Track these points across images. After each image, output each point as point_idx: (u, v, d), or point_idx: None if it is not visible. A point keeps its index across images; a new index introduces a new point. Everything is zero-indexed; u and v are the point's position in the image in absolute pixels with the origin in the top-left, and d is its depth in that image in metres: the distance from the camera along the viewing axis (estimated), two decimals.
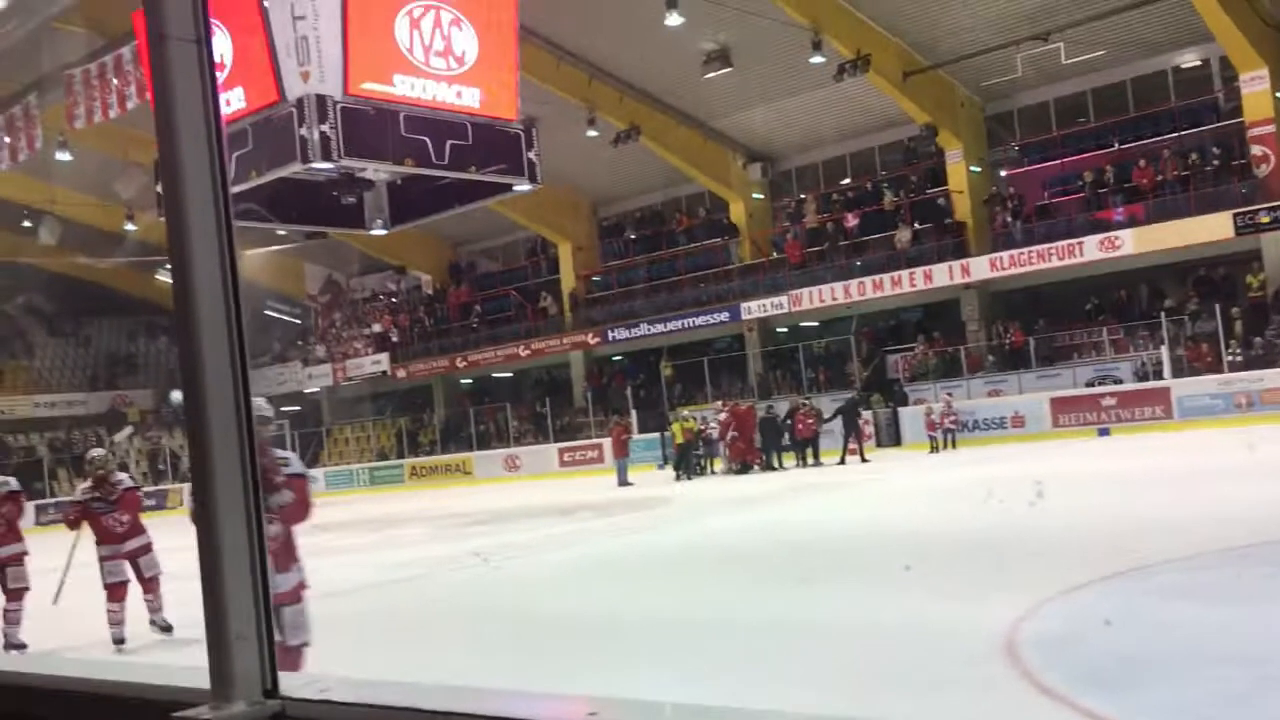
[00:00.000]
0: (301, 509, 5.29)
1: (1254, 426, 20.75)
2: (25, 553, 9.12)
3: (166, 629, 8.82)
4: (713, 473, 25.27)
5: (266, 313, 44.43)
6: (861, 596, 8.01)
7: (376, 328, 40.89)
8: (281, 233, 24.65)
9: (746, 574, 9.93)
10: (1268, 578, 7.18)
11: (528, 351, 35.82)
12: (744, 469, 24.37)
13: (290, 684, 1.17)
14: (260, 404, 5.25)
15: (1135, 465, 16.14)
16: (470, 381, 39.98)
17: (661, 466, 25.59)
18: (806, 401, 25.06)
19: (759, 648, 6.67)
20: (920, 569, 8.71)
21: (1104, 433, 23.61)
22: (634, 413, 29.80)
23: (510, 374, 38.82)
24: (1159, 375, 24.34)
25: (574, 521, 16.23)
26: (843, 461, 23.33)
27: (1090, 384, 25.47)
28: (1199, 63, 27.07)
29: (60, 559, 9.45)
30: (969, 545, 10.14)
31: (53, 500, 31.33)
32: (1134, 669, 5.30)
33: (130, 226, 32.58)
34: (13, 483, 9.56)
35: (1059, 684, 4.98)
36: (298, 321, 45.01)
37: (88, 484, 9.14)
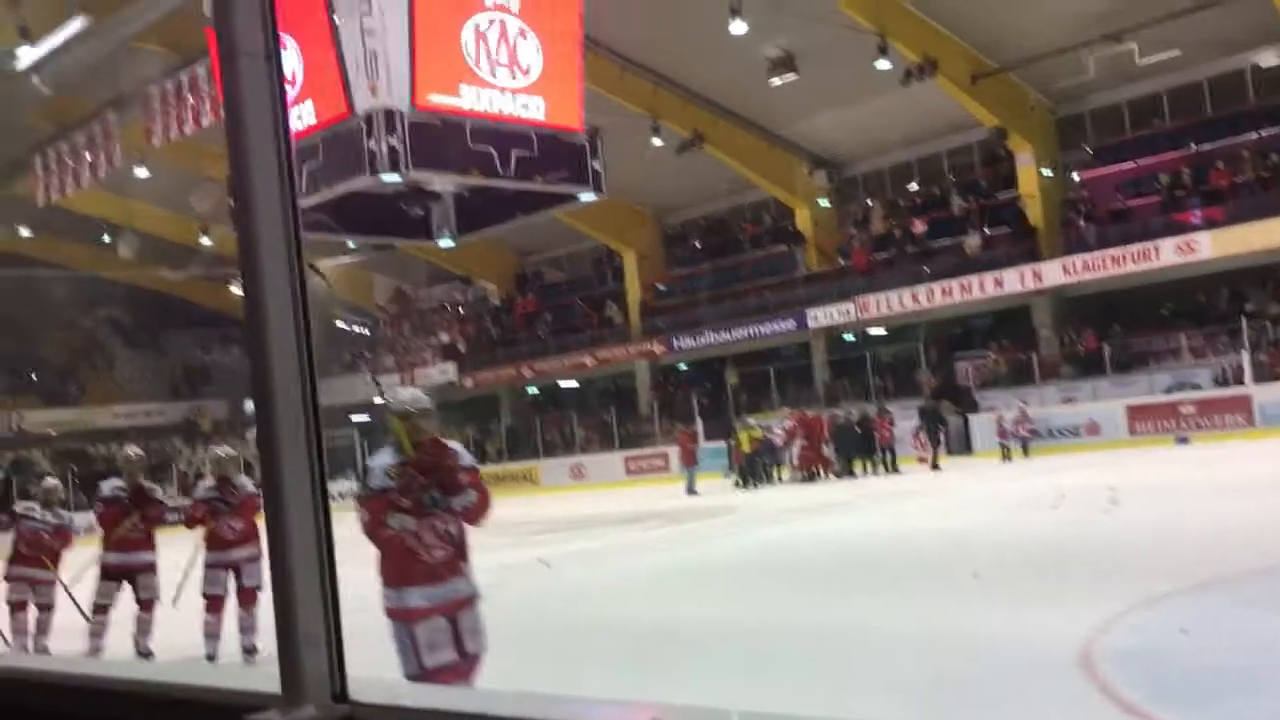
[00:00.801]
0: (484, 507, 4.82)
1: None
2: (155, 562, 8.82)
3: (250, 651, 8.24)
4: (779, 481, 25.14)
5: (336, 323, 45.11)
6: (930, 606, 7.90)
7: (444, 337, 41.31)
8: (351, 244, 25.07)
9: (812, 582, 9.86)
10: None
11: (593, 361, 35.94)
12: (811, 477, 24.25)
13: (360, 688, 1.18)
14: (417, 395, 4.93)
15: (1215, 474, 15.73)
16: (536, 391, 40.22)
17: (727, 475, 25.54)
18: (888, 409, 25.00)
19: (823, 656, 6.61)
20: (993, 579, 8.57)
21: (1183, 441, 23.04)
22: (699, 421, 29.74)
23: (576, 383, 38.97)
24: (1239, 381, 23.70)
25: (640, 530, 16.21)
26: (936, 466, 23.16)
27: (1168, 391, 24.89)
28: (1278, 61, 26.36)
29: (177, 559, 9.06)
30: (1043, 555, 9.96)
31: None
32: (1216, 682, 5.16)
33: (205, 240, 33.35)
34: (158, 490, 9.30)
35: (1138, 698, 4.86)
36: (367, 332, 45.64)
37: (210, 483, 8.86)
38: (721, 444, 27.69)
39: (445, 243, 11.88)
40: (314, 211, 9.88)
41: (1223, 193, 25.73)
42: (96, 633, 8.65)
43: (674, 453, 30.47)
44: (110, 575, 8.71)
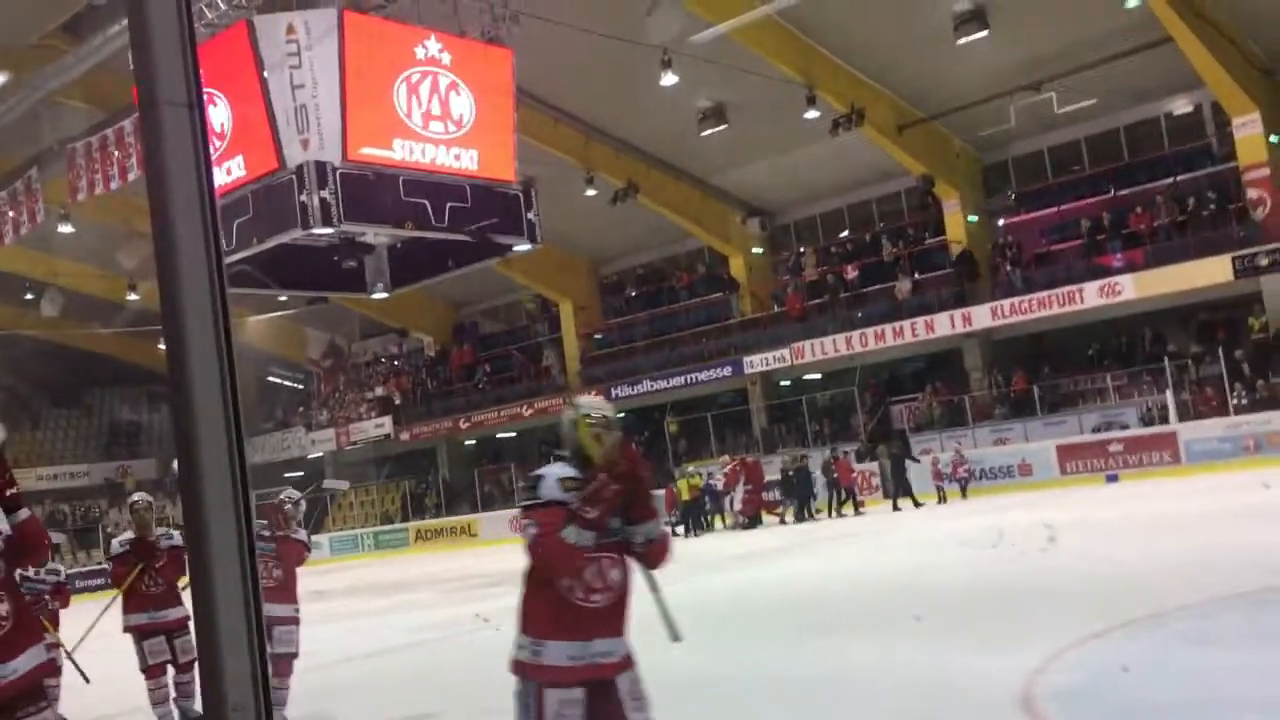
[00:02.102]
0: (668, 545, 4.02)
1: (1263, 469, 20.64)
2: (188, 616, 7.52)
3: (190, 717, 7.75)
4: (721, 527, 25.12)
5: (269, 378, 44.50)
6: (871, 649, 7.90)
7: (379, 391, 40.90)
8: (283, 298, 24.77)
9: (754, 628, 9.82)
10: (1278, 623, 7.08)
11: (531, 411, 35.77)
12: (753, 523, 24.28)
13: None
14: (602, 403, 4.19)
15: (1145, 510, 16.01)
16: (474, 442, 39.90)
17: (666, 523, 25.49)
18: (846, 451, 25.25)
19: (764, 702, 6.57)
20: (933, 620, 8.61)
21: (1112, 479, 23.47)
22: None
23: (514, 434, 38.74)
24: (1165, 420, 24.25)
25: None
26: (897, 507, 23.35)
27: (1096, 430, 25.38)
28: (1191, 108, 27.31)
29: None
30: (982, 595, 10.04)
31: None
32: (1151, 717, 5.21)
33: (132, 296, 32.77)
34: (175, 536, 8.10)
35: None
36: (300, 387, 45.05)
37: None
38: (662, 493, 27.62)
39: (379, 295, 11.80)
40: (244, 265, 9.77)
41: (1141, 236, 26.48)
42: (160, 699, 7.80)
43: None
44: (146, 635, 7.80)
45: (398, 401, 39.62)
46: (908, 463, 24.23)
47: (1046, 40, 24.82)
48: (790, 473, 24.56)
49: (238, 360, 1.25)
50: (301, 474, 39.71)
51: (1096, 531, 14.33)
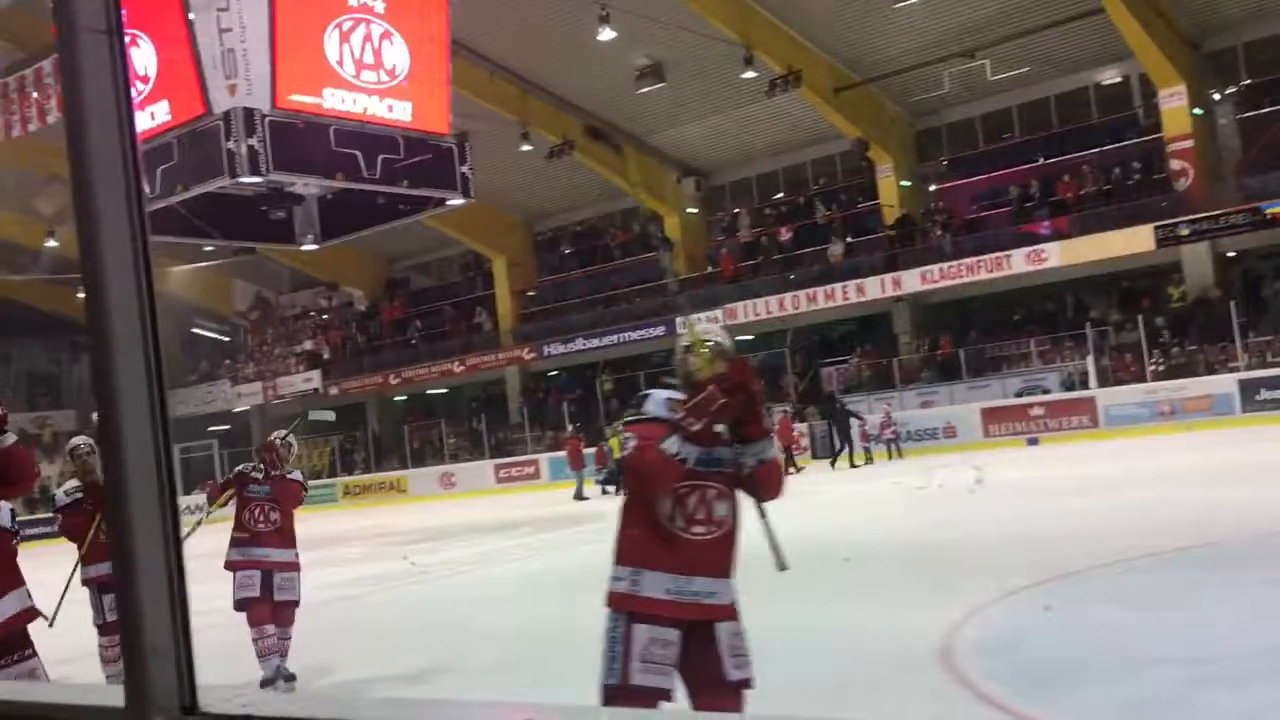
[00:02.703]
0: (780, 472, 3.71)
1: (1176, 434, 21.27)
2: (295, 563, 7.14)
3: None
4: None
5: (194, 330, 43.64)
6: (796, 606, 8.03)
7: (308, 345, 40.34)
8: (209, 248, 24.25)
9: None
10: (1192, 581, 7.33)
11: (463, 368, 35.57)
12: None
13: (210, 699, 1.12)
14: (718, 329, 3.89)
15: (1064, 473, 16.43)
16: (404, 398, 39.60)
17: (599, 481, 25.56)
18: (786, 411, 25.41)
19: None
20: (857, 577, 8.77)
21: (1033, 442, 24.02)
22: (569, 428, 29.72)
23: (445, 390, 38.52)
24: (1085, 385, 24.84)
25: (511, 537, 16.08)
26: (854, 465, 23.69)
27: (1019, 394, 25.92)
28: (1119, 79, 27.78)
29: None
30: (907, 553, 10.25)
31: None
32: (1070, 673, 5.37)
33: (51, 243, 31.84)
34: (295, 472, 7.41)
35: (996, 690, 5.03)
36: (226, 339, 44.26)
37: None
38: (593, 450, 27.66)
39: (309, 247, 11.59)
40: (169, 213, 9.53)
41: (1068, 205, 26.96)
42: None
43: (545, 460, 30.38)
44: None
45: (326, 356, 39.15)
46: (854, 421, 24.48)
47: (981, 7, 25.05)
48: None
49: (161, 311, 1.22)
50: (227, 427, 39.19)
51: (1017, 493, 14.68)
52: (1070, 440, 23.22)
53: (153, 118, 9.70)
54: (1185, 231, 24.59)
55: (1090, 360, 24.80)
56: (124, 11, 1.20)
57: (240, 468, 7.41)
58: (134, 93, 1.22)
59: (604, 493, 24.62)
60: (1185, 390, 22.97)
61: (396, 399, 39.54)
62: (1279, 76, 25.94)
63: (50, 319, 40.92)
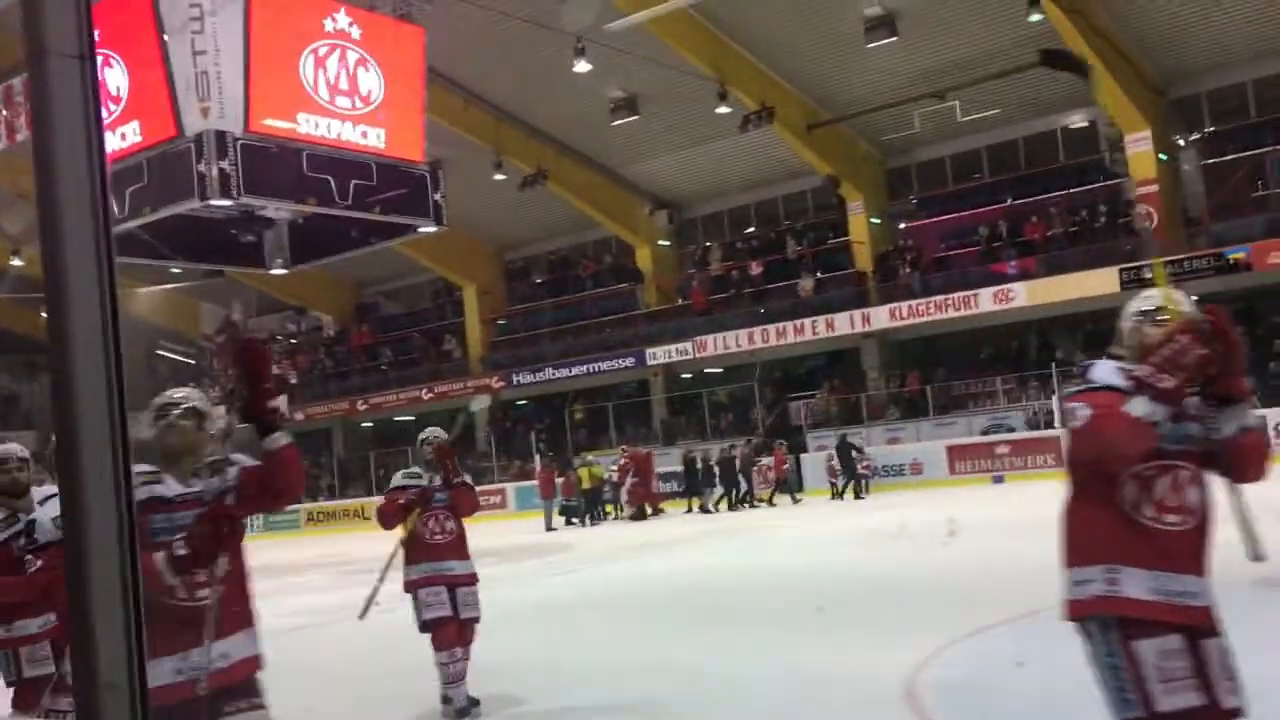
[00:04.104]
0: (1258, 450, 3.05)
1: None
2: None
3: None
4: (615, 518, 25.20)
5: (158, 352, 43.19)
6: (760, 642, 8.00)
7: (275, 369, 40.00)
8: (176, 270, 24.06)
9: (646, 620, 9.87)
10: None
11: (431, 395, 35.38)
12: (639, 515, 24.36)
13: None
14: None
15: (1029, 512, 16.46)
16: (371, 425, 39.32)
17: (560, 512, 25.47)
18: (782, 443, 25.72)
19: (653, 693, 6.60)
20: (822, 615, 8.75)
21: (999, 480, 24.15)
22: (537, 458, 29.62)
23: (413, 417, 38.26)
24: (1050, 425, 25.02)
25: (481, 566, 15.87)
26: (845, 496, 23.70)
27: (985, 432, 26.08)
28: (1086, 124, 28.20)
29: None
30: (875, 589, 10.24)
31: None
32: (1037, 713, 5.36)
33: (16, 261, 31.49)
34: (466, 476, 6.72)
35: None
36: (191, 362, 43.82)
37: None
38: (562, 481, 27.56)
39: (278, 271, 11.51)
40: (137, 234, 9.44)
41: (1035, 245, 27.28)
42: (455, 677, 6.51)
43: (512, 489, 30.23)
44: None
45: (294, 381, 38.83)
46: (854, 455, 24.47)
47: (952, 50, 25.39)
48: (716, 463, 24.64)
49: (126, 332, 1.20)
50: None
51: (985, 530, 14.73)
52: (1035, 479, 23.34)
53: (123, 138, 9.63)
54: (1149, 274, 24.90)
55: (1055, 400, 25.01)
56: (97, 32, 1.18)
57: (405, 479, 6.80)
58: (105, 113, 1.20)
59: (568, 523, 24.51)
60: None
61: (363, 425, 39.25)
62: (1241, 124, 26.44)
63: (12, 338, 40.42)
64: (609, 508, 25.51)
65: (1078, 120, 28.26)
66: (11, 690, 5.75)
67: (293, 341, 41.93)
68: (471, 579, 6.58)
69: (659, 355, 31.14)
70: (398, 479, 6.86)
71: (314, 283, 37.27)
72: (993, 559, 11.50)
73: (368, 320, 40.59)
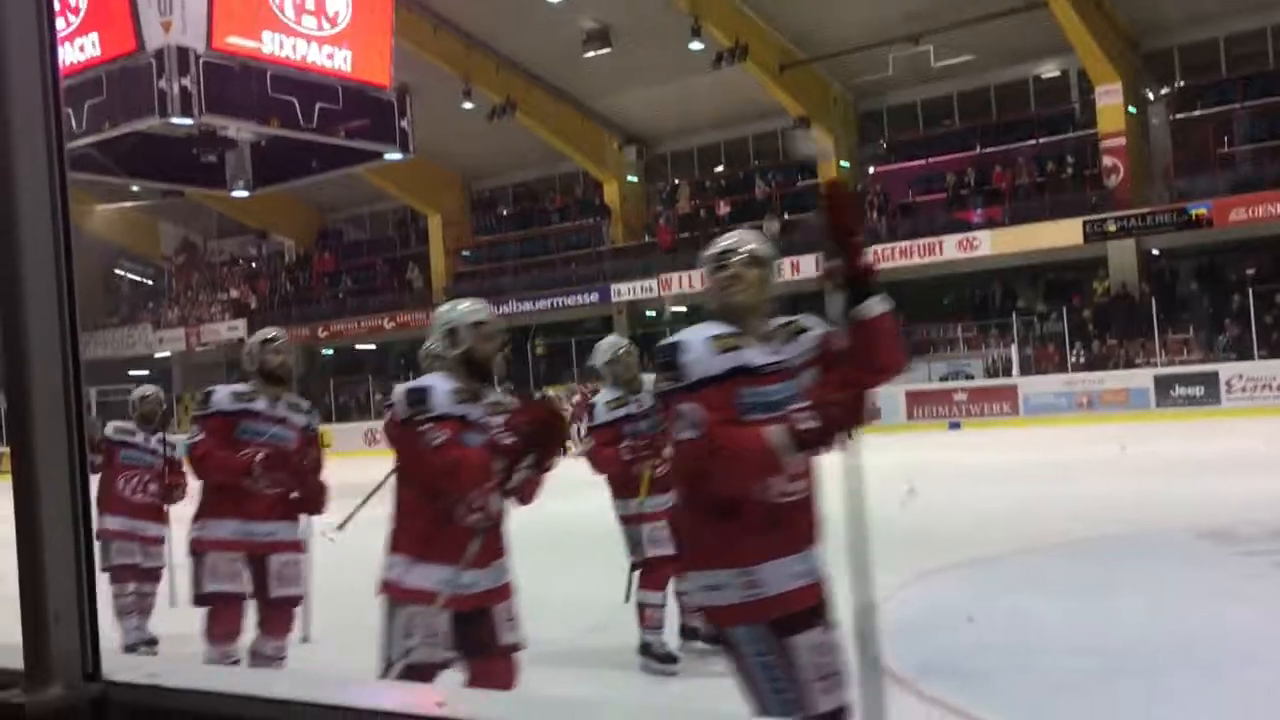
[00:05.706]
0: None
1: (1094, 425, 21.78)
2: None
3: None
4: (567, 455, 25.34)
5: (116, 271, 42.58)
6: None
7: (234, 293, 39.56)
8: (136, 189, 23.62)
9: (593, 558, 9.93)
10: (1106, 571, 7.51)
11: (393, 324, 35.16)
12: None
13: (114, 666, 1.08)
14: None
15: (983, 459, 16.75)
16: (331, 352, 39.07)
17: None
18: None
19: (601, 634, 6.67)
20: None
21: (955, 426, 24.46)
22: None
23: (374, 346, 38.08)
24: (1008, 373, 25.33)
25: None
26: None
27: (944, 379, 26.35)
28: (1058, 73, 28.18)
29: None
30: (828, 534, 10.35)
31: None
32: (983, 658, 5.47)
33: None
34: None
35: (907, 672, 5.10)
36: (149, 282, 43.26)
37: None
38: None
39: (239, 193, 11.35)
40: (94, 150, 9.26)
41: (1002, 194, 27.37)
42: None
43: None
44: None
45: (253, 305, 38.44)
46: None
47: None
48: None
49: (83, 251, 1.16)
50: (146, 372, 38.32)
51: (936, 477, 14.92)
52: (991, 426, 23.68)
53: (81, 51, 9.40)
54: (1112, 227, 25.10)
55: (1014, 349, 25.29)
56: None
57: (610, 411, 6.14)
58: (62, 24, 1.15)
59: None
60: (1103, 383, 23.53)
61: (324, 352, 38.99)
62: (1211, 81, 26.53)
63: None
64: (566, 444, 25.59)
65: (1050, 69, 28.22)
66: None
67: (253, 265, 41.43)
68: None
69: (623, 292, 31.08)
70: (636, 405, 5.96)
71: (276, 206, 36.71)
72: (944, 507, 11.66)
73: (330, 247, 40.13)
